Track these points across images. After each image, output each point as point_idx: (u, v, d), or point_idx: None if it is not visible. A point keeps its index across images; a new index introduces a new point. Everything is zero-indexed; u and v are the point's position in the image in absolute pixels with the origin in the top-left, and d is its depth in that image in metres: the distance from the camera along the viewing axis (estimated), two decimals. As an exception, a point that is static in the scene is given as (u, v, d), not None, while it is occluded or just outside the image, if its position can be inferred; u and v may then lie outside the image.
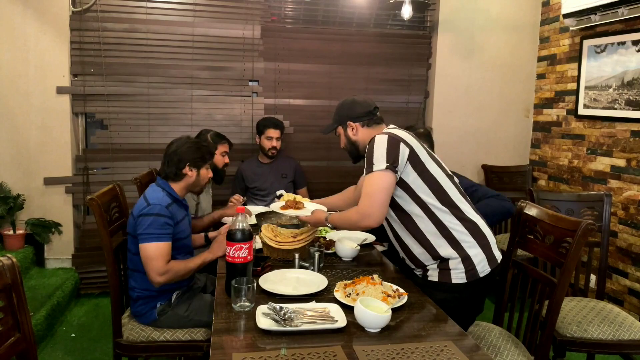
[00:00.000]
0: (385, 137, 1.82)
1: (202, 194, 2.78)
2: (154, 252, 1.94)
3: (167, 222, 1.99)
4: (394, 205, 1.88)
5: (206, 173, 2.22)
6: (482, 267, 1.84)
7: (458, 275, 1.82)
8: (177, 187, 2.15)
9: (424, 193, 1.84)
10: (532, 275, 2.00)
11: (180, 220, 2.11)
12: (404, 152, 1.81)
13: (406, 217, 1.88)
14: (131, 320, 2.12)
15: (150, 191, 2.09)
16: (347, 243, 2.25)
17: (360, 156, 2.07)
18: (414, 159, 1.83)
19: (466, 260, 1.83)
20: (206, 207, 2.98)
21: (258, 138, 3.49)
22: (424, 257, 1.90)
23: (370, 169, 1.80)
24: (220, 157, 2.98)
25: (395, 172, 1.79)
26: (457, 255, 1.83)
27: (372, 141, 1.85)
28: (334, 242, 2.32)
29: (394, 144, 1.80)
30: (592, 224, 1.86)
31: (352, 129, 2.02)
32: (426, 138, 2.62)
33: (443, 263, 1.86)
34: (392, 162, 1.78)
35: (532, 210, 2.07)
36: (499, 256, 1.91)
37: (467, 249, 1.83)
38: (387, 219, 1.97)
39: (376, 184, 1.78)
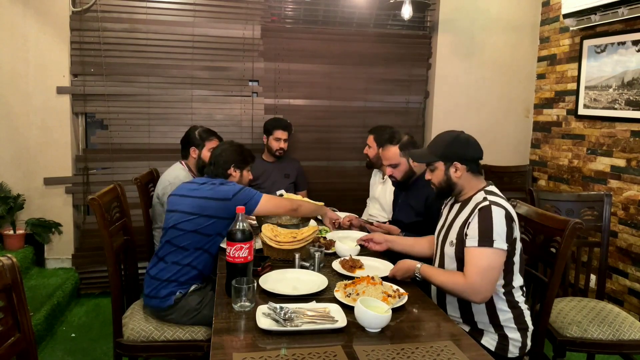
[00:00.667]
0: (504, 212, 1.72)
1: None
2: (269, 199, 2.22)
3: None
4: (461, 264, 1.78)
5: (247, 175, 2.40)
6: (514, 349, 1.79)
7: (489, 343, 1.79)
8: None
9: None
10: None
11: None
12: (516, 235, 1.76)
13: None
14: (132, 320, 2.11)
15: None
16: (347, 243, 2.25)
17: (448, 196, 1.97)
18: (512, 243, 1.76)
19: (503, 338, 1.79)
20: None
21: (265, 138, 3.51)
22: (456, 316, 1.86)
23: (488, 243, 1.69)
24: (207, 153, 2.85)
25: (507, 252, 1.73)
26: (495, 332, 1.80)
27: (489, 211, 1.71)
28: (334, 242, 2.32)
29: (512, 224, 1.73)
30: (580, 223, 1.86)
31: (456, 170, 1.85)
32: (413, 146, 2.53)
33: (476, 332, 1.82)
34: (510, 243, 1.73)
35: (521, 209, 2.07)
36: (529, 344, 1.84)
37: (507, 331, 1.79)
38: (441, 261, 1.91)
39: (493, 262, 1.70)
